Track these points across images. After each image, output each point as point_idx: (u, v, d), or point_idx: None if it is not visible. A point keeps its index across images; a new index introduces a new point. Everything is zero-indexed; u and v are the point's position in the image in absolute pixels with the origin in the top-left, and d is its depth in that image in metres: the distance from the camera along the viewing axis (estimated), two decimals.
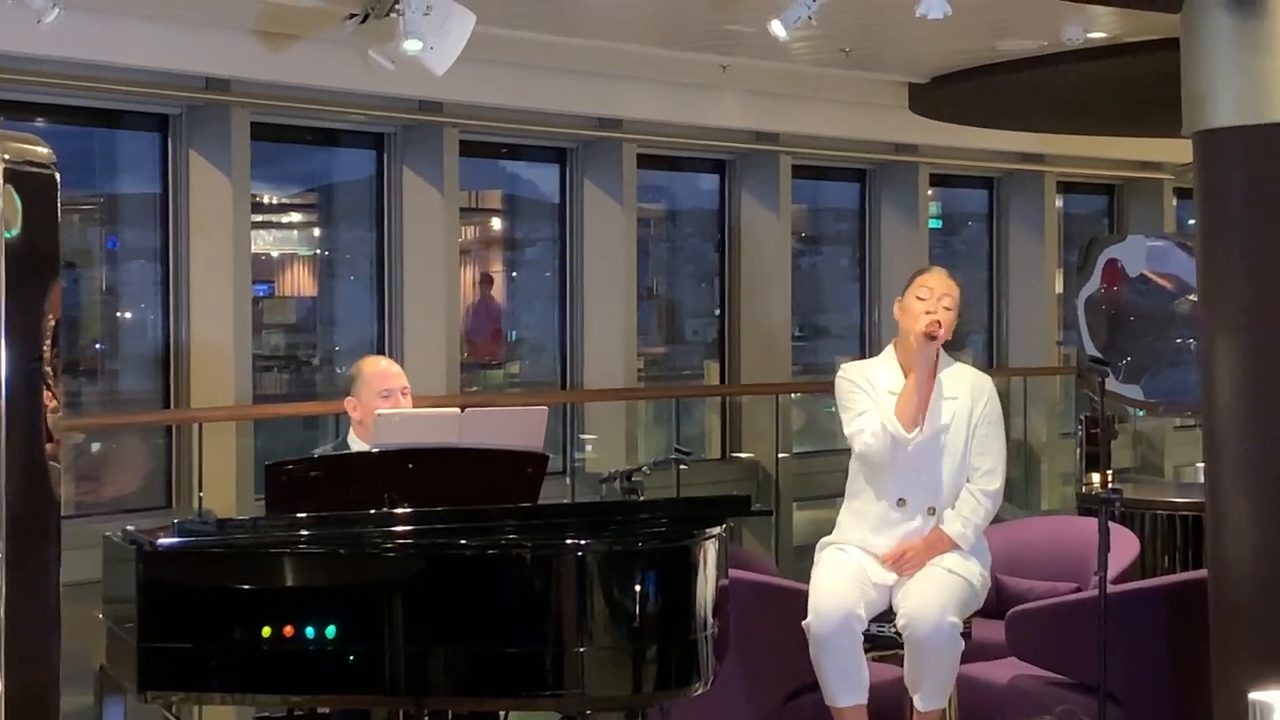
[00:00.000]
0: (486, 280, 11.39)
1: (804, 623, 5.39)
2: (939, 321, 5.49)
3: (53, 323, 3.39)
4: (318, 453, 5.53)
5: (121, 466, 8.92)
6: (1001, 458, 5.69)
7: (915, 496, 5.58)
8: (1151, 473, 12.52)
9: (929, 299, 5.56)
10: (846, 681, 5.36)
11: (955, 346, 12.92)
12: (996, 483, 5.64)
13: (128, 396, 9.01)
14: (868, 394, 5.58)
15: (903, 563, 5.53)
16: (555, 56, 9.18)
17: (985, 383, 5.73)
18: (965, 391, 5.63)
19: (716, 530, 4.48)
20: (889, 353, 5.71)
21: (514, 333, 11.39)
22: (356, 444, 5.29)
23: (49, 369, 3.35)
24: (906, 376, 5.59)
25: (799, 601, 5.57)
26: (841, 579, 5.46)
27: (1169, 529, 7.71)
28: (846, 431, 5.62)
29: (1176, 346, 8.99)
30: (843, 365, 5.77)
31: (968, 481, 5.62)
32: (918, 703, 5.42)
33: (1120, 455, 11.19)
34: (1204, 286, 5.08)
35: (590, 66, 9.43)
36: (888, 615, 5.53)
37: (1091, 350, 8.92)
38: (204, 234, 8.52)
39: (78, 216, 9.09)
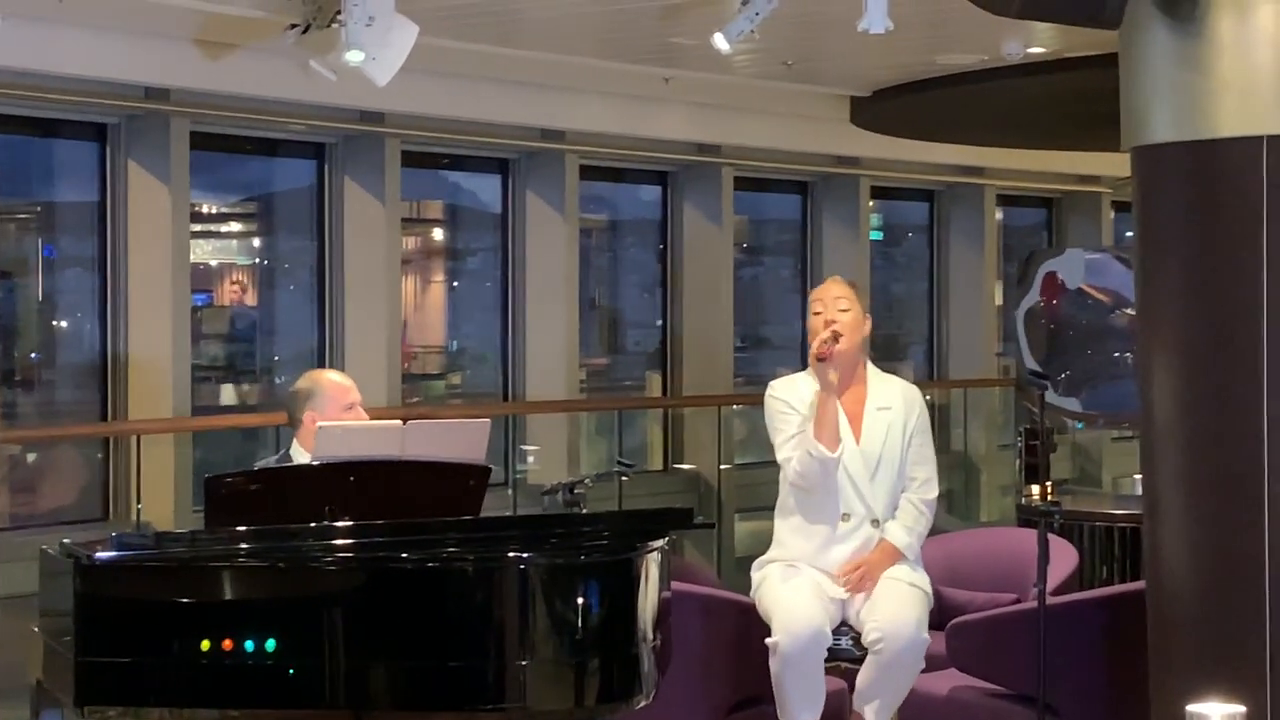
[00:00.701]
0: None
1: (769, 641, 5.38)
2: (831, 340, 5.49)
3: None
4: (259, 464, 5.50)
5: (58, 478, 8.84)
6: (934, 467, 5.74)
7: (857, 510, 5.60)
8: (1089, 484, 12.60)
9: (824, 310, 5.60)
10: (807, 700, 5.36)
11: (895, 357, 13.06)
12: (934, 491, 5.70)
13: (64, 407, 8.93)
14: (796, 414, 5.59)
15: (857, 578, 5.54)
16: (498, 67, 9.18)
17: (915, 394, 5.77)
18: (898, 403, 5.66)
19: (659, 543, 4.49)
20: (808, 371, 5.72)
21: (455, 343, 11.36)
22: (301, 455, 5.26)
23: None
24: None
25: (742, 614, 5.57)
26: (807, 597, 5.46)
27: (1107, 540, 7.76)
28: (778, 458, 5.64)
29: (1115, 360, 9.06)
30: (772, 384, 5.77)
31: (905, 492, 5.64)
32: (870, 716, 5.43)
33: (1059, 467, 11.26)
34: (1141, 301, 5.11)
35: (533, 78, 9.43)
36: (839, 629, 5.54)
37: (1031, 364, 8.97)
38: (142, 244, 8.47)
39: (14, 225, 9.01)
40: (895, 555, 5.58)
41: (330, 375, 5.53)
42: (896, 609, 5.43)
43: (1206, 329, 4.87)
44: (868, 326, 5.66)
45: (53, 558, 4.49)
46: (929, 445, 5.73)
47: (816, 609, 5.43)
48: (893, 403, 5.64)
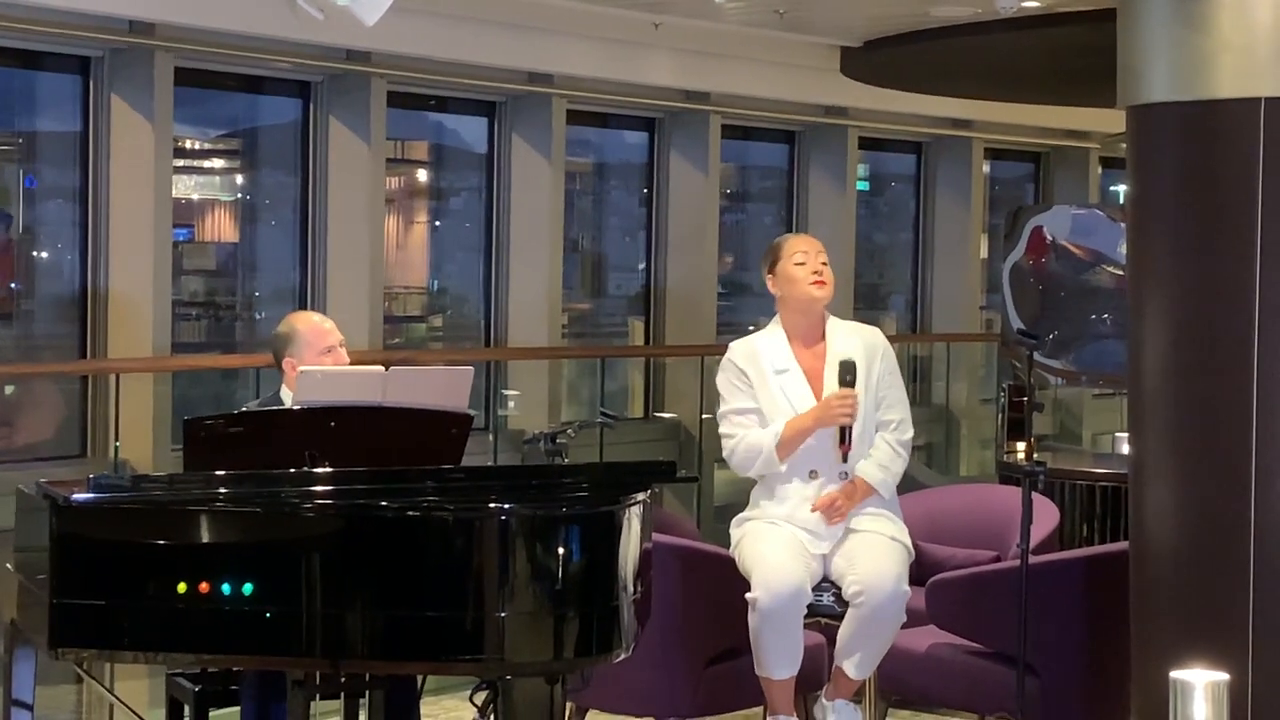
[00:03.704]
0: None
1: (749, 596, 5.35)
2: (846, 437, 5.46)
3: None
4: (247, 407, 5.45)
5: (35, 413, 8.79)
6: (907, 407, 5.68)
7: (826, 466, 5.55)
8: (1069, 440, 12.62)
9: (808, 260, 5.55)
10: (785, 655, 5.33)
11: (876, 306, 13.03)
12: (909, 432, 5.64)
13: (43, 340, 8.87)
14: (748, 390, 5.55)
15: (832, 510, 5.49)
16: (486, 9, 9.09)
17: (877, 337, 5.68)
18: (859, 351, 5.57)
19: (641, 496, 4.45)
20: (775, 327, 5.66)
21: (436, 283, 11.31)
22: (289, 400, 5.20)
23: None
24: (794, 347, 5.56)
25: (721, 567, 5.55)
26: (789, 553, 5.42)
27: (1089, 499, 7.75)
28: (720, 429, 5.61)
29: (1097, 318, 9.03)
30: (732, 346, 5.69)
31: (879, 432, 5.58)
32: (850, 670, 5.40)
33: (1040, 422, 11.24)
34: (1133, 261, 5.08)
35: (522, 20, 9.35)
36: (819, 586, 5.52)
37: (1016, 321, 8.94)
38: (124, 178, 8.39)
39: None
40: (866, 491, 5.53)
41: (308, 318, 5.45)
42: (877, 562, 5.40)
43: (1198, 291, 4.85)
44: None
45: (29, 497, 4.45)
46: (899, 386, 5.65)
47: (797, 565, 5.40)
48: (853, 352, 5.57)
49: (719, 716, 5.78)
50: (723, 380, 5.65)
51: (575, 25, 9.60)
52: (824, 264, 5.57)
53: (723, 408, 5.64)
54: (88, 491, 4.26)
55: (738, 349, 5.66)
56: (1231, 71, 4.72)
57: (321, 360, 5.16)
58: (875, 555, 5.43)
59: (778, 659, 5.35)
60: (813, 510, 5.51)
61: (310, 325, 5.35)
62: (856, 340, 5.62)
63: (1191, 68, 4.78)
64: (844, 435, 5.48)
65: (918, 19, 9.13)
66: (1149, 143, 4.94)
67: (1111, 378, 8.96)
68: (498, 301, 10.38)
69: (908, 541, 5.60)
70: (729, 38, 10.07)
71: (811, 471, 5.54)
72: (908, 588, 5.42)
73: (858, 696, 5.61)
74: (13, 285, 8.81)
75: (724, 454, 5.64)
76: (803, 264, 5.56)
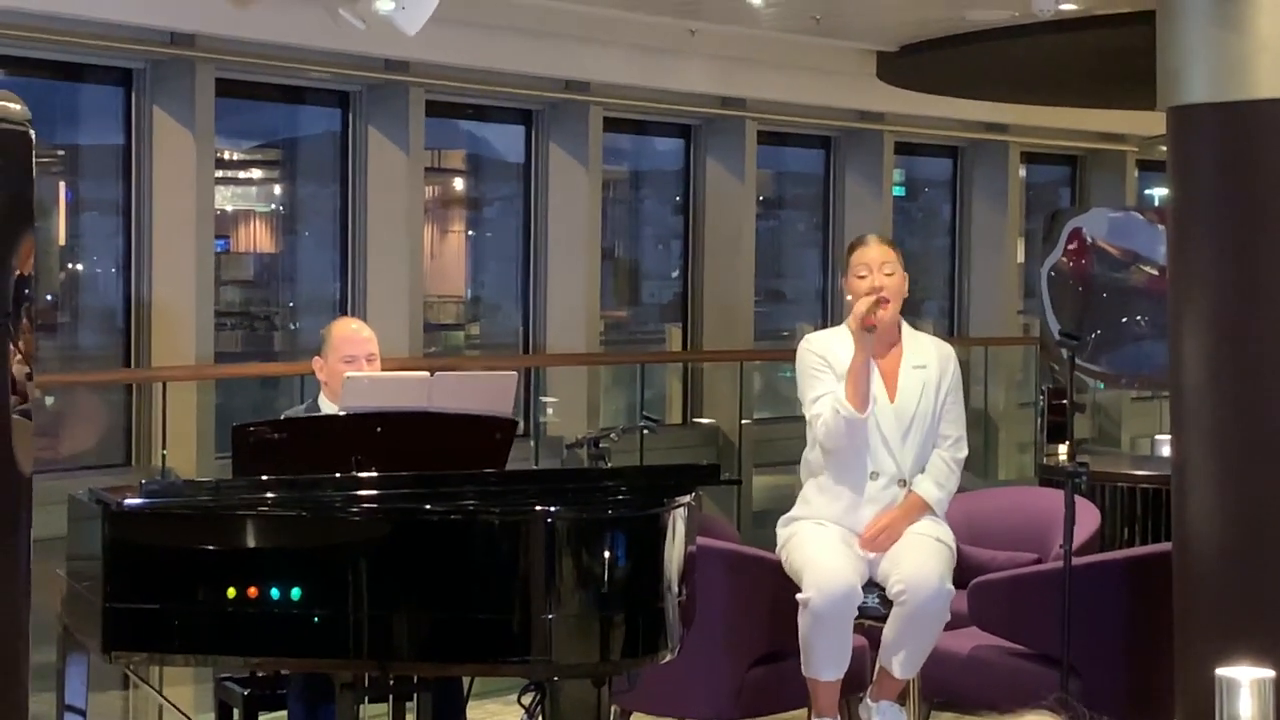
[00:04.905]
0: None
1: (800, 597, 5.36)
2: (875, 307, 5.45)
3: (23, 276, 3.35)
4: (287, 414, 5.49)
5: (79, 423, 8.85)
6: (964, 427, 5.74)
7: (886, 468, 5.57)
8: (1108, 443, 12.58)
9: (869, 275, 5.54)
10: (835, 656, 5.35)
11: (913, 311, 13.00)
12: (964, 451, 5.69)
13: (85, 352, 8.94)
14: (829, 372, 5.56)
15: (883, 538, 5.52)
16: (523, 18, 9.12)
17: (949, 352, 5.75)
18: (933, 361, 5.63)
19: (686, 498, 4.48)
20: (844, 327, 5.69)
21: (471, 292, 11.35)
22: (327, 406, 5.24)
23: (25, 324, 3.31)
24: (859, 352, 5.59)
25: (765, 569, 5.56)
26: (840, 555, 5.43)
27: (1130, 501, 7.74)
28: (806, 413, 5.61)
29: (1137, 320, 9.02)
30: (807, 337, 5.74)
31: (936, 448, 5.62)
32: (895, 669, 5.42)
33: (1079, 426, 11.22)
34: (1174, 261, 5.09)
35: (558, 28, 9.38)
36: (868, 586, 5.53)
37: (1055, 324, 8.94)
38: (167, 189, 8.45)
39: (37, 169, 8.98)
40: (922, 509, 5.55)
41: (345, 324, 5.48)
42: (921, 561, 5.42)
43: (1239, 290, 4.86)
44: (907, 286, 5.64)
45: (81, 503, 4.50)
46: (960, 404, 5.71)
47: (849, 566, 5.42)
48: (928, 361, 5.62)
49: (762, 718, 5.80)
50: (802, 369, 5.62)
51: (611, 33, 9.63)
52: (888, 274, 5.54)
53: (809, 395, 5.57)
54: (139, 497, 4.31)
55: (813, 339, 5.69)
56: (1270, 72, 4.73)
57: (342, 368, 5.14)
58: (919, 555, 5.44)
59: (827, 660, 5.35)
60: (861, 546, 5.51)
61: (343, 332, 5.36)
62: (932, 349, 5.66)
63: (1230, 68, 4.79)
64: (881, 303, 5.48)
65: (953, 23, 9.14)
66: (1189, 144, 4.95)
67: (1152, 380, 8.95)
68: (535, 309, 10.41)
69: (951, 542, 5.61)
70: (765, 43, 10.08)
71: (873, 473, 5.56)
72: (951, 586, 5.44)
73: (902, 698, 5.63)
74: (49, 297, 8.87)
75: (818, 437, 5.56)
76: (864, 277, 5.57)
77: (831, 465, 5.60)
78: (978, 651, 5.79)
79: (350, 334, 5.35)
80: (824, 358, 5.58)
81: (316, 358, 5.34)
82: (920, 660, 5.46)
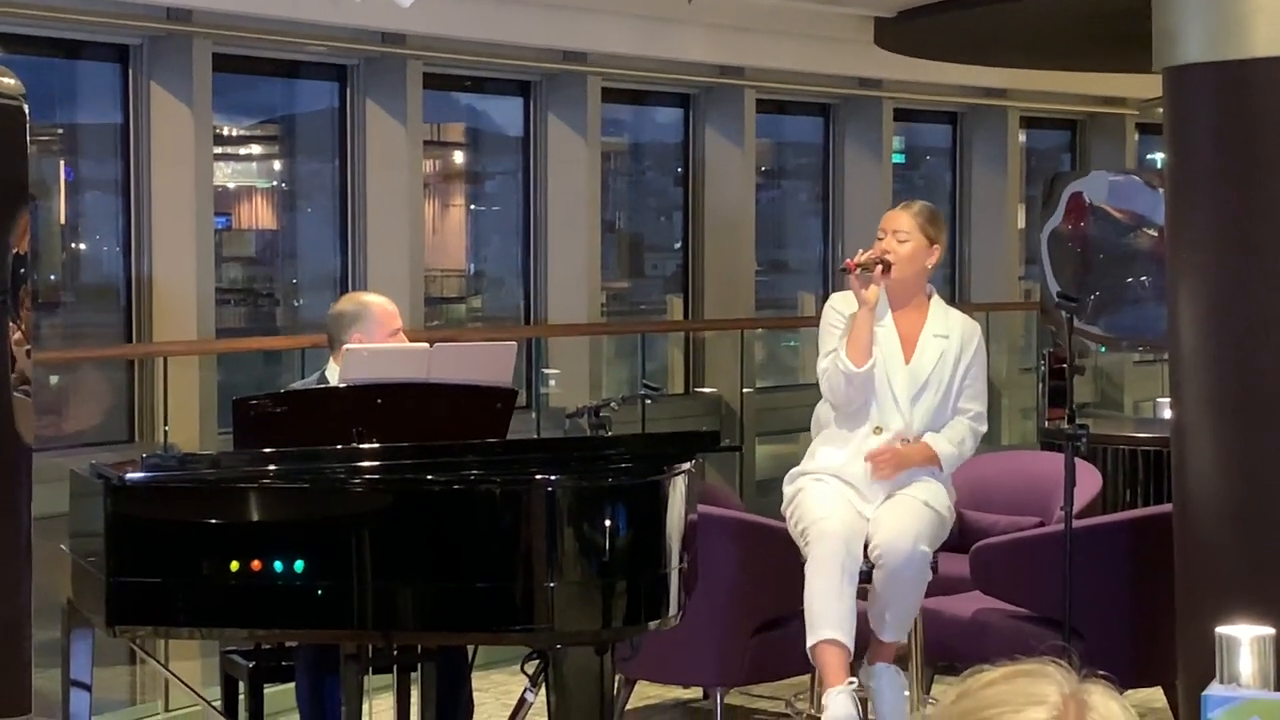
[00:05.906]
0: None
1: (803, 544, 5.38)
2: (875, 265, 5.51)
3: (19, 254, 3.36)
4: (293, 387, 5.49)
5: (81, 400, 8.87)
6: (985, 403, 5.78)
7: (893, 424, 5.59)
8: (1111, 407, 12.59)
9: (885, 239, 5.65)
10: (837, 612, 5.30)
11: None
12: (984, 426, 5.75)
13: (86, 330, 8.94)
14: (843, 331, 5.59)
15: (885, 461, 5.52)
16: None
17: (975, 329, 5.79)
18: (956, 334, 5.68)
19: (687, 465, 4.49)
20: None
21: (473, 266, 11.35)
22: (335, 377, 5.23)
23: (23, 300, 3.32)
24: (893, 308, 5.62)
25: (766, 536, 5.59)
26: (841, 506, 5.47)
27: (1131, 464, 7.76)
28: (817, 368, 5.66)
29: (1137, 283, 9.02)
30: (833, 296, 5.83)
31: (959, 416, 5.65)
32: (881, 633, 5.44)
33: (1081, 390, 11.25)
34: (1171, 223, 5.09)
35: None
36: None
37: (1055, 287, 8.94)
38: (165, 166, 8.44)
39: (35, 147, 8.99)
40: (928, 458, 5.55)
41: (378, 298, 5.46)
42: (900, 525, 5.42)
43: (1237, 251, 4.86)
44: (935, 256, 5.66)
45: (83, 478, 4.51)
46: (982, 380, 5.74)
47: (849, 515, 5.44)
48: (951, 333, 5.67)
49: (765, 685, 5.83)
50: (822, 325, 5.72)
51: (608, 2, 9.61)
52: (901, 242, 5.61)
53: (821, 350, 5.68)
54: (141, 471, 4.32)
55: (838, 298, 5.77)
56: (1266, 31, 4.72)
57: (390, 341, 5.16)
58: (899, 518, 5.46)
59: (828, 615, 5.30)
60: (867, 459, 5.51)
61: (383, 306, 5.34)
62: (957, 323, 5.71)
63: (1226, 28, 4.78)
64: (886, 267, 5.53)
65: None
66: (1185, 104, 4.95)
67: (1152, 343, 8.95)
68: (537, 282, 10.41)
69: (944, 507, 5.57)
70: (762, 11, 10.06)
71: (877, 428, 5.58)
72: (926, 548, 5.42)
73: (904, 662, 5.64)
74: (52, 276, 8.88)
75: (823, 390, 5.64)
76: (880, 239, 5.67)
77: (838, 418, 5.63)
78: (980, 615, 5.81)
79: (390, 309, 5.35)
80: (844, 315, 5.64)
81: (356, 334, 5.18)
82: (906, 623, 5.47)
